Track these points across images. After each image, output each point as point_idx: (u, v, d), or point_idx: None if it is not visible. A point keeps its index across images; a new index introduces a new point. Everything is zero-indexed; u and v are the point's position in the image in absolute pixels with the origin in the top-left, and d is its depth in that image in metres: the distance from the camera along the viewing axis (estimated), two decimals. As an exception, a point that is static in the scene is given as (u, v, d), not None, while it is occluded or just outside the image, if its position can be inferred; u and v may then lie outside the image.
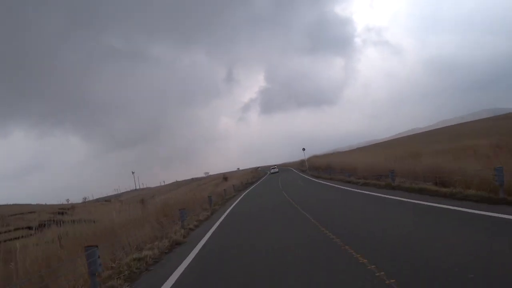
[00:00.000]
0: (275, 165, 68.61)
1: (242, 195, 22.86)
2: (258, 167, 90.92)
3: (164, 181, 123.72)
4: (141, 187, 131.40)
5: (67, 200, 54.54)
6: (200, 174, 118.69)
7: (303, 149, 45.57)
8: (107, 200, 56.73)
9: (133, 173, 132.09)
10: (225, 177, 57.61)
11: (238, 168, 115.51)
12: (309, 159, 56.78)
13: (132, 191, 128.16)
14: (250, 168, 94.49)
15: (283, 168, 70.13)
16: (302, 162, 58.31)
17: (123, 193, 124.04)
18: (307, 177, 32.39)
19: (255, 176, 50.44)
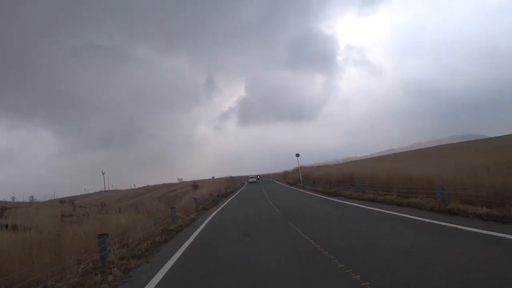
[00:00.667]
0: (256, 175, 65.42)
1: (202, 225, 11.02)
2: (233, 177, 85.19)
3: (135, 185, 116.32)
4: (111, 188, 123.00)
5: (13, 197, 47.05)
6: (174, 179, 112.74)
7: (297, 155, 36.37)
8: (62, 201, 50.02)
9: (103, 173, 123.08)
10: (195, 185, 51.71)
11: (213, 177, 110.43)
12: (295, 170, 53.28)
13: (100, 192, 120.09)
14: (225, 177, 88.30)
15: (263, 180, 64.15)
16: (285, 174, 53.55)
17: (91, 193, 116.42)
18: (311, 193, 22.48)
19: (230, 186, 40.40)
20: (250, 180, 56.03)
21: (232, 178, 60.63)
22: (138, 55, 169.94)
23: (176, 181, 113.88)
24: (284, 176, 53.26)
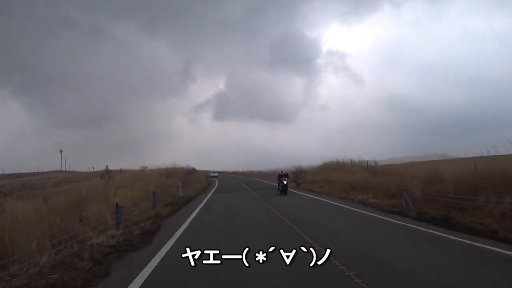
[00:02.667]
0: (217, 171, 63.75)
1: None
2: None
3: (93, 167, 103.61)
4: (68, 169, 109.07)
5: None
6: (137, 167, 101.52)
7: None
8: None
9: (60, 151, 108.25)
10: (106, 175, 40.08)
11: (145, 167, 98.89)
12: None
13: (53, 172, 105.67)
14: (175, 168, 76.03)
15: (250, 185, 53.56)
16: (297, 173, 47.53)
17: (42, 172, 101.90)
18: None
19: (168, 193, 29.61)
20: (212, 174, 54.22)
21: (193, 171, 42.26)
22: (118, 36, 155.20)
23: (139, 168, 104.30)
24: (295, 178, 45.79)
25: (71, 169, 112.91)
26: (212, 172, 60.93)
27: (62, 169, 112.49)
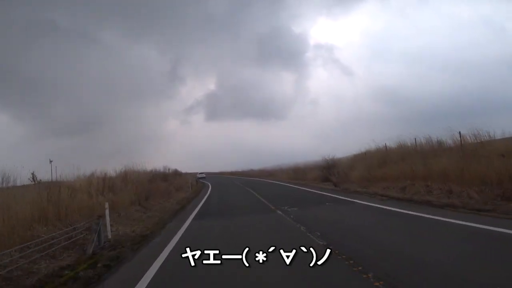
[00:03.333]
0: (202, 172, 60.09)
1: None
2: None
3: (85, 175, 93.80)
4: (59, 179, 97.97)
5: None
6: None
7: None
8: None
9: (50, 161, 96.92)
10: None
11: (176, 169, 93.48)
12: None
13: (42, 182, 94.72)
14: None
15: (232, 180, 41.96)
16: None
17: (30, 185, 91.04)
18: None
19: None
20: (199, 176, 50.79)
21: (174, 175, 30.83)
22: (104, 40, 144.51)
23: None
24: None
25: (61, 179, 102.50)
26: (199, 173, 56.78)
27: (53, 179, 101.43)
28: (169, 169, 28.62)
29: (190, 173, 72.98)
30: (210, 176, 63.59)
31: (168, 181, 21.11)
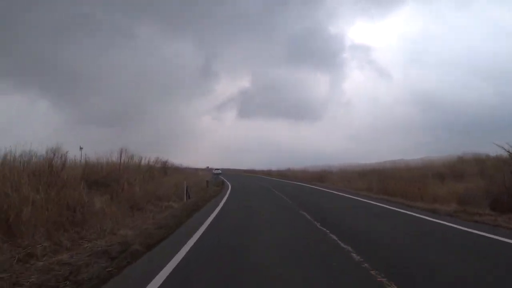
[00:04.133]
0: (218, 168, 58.36)
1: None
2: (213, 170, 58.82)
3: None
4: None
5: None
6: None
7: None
8: None
9: (80, 149, 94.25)
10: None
11: (208, 167, 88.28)
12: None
13: None
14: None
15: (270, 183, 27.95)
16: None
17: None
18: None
19: None
20: (215, 172, 49.38)
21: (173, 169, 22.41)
22: (141, 35, 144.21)
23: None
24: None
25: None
26: (215, 169, 55.07)
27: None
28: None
29: (206, 169, 63.30)
30: (235, 175, 53.44)
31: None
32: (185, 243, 5.27)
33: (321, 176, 26.79)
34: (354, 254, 4.42)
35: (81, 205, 7.09)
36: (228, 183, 24.73)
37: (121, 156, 11.70)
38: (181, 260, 4.33)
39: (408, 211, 9.43)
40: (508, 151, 9.90)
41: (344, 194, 15.48)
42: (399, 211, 9.49)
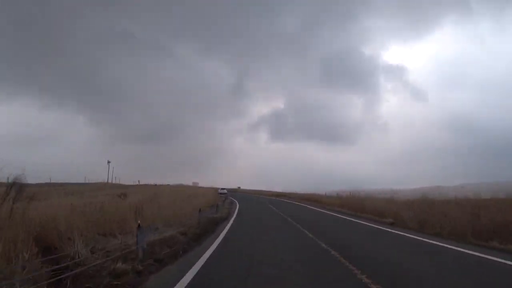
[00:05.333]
0: (224, 188, 55.78)
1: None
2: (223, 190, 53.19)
3: (139, 181, 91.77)
4: (114, 181, 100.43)
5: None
6: (190, 182, 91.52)
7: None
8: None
9: (108, 163, 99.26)
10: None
11: (239, 187, 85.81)
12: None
13: (96, 183, 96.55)
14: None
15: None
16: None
17: (88, 183, 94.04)
18: None
19: None
20: (221, 191, 47.28)
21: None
22: (178, 54, 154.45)
23: (190, 183, 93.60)
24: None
25: (116, 181, 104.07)
26: (221, 189, 52.01)
27: (108, 181, 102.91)
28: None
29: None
30: (261, 197, 48.00)
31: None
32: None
33: (363, 206, 19.88)
34: None
35: None
36: (234, 215, 18.44)
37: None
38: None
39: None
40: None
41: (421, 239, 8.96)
42: None
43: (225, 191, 50.08)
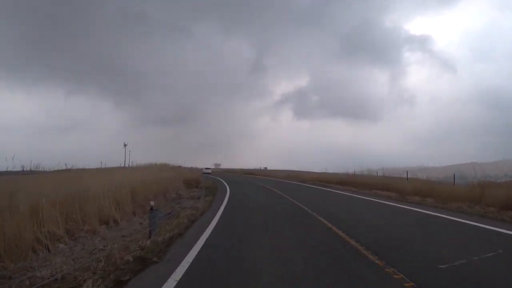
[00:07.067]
0: (208, 168, 57.50)
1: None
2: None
3: (156, 163, 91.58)
4: (131, 165, 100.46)
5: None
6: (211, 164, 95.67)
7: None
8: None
9: (125, 146, 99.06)
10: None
11: (266, 167, 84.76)
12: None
13: (114, 168, 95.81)
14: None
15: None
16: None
17: (106, 168, 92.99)
18: None
19: None
20: (205, 171, 49.06)
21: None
22: (197, 35, 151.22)
23: (212, 166, 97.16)
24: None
25: (132, 164, 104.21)
26: (206, 169, 53.29)
27: (125, 165, 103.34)
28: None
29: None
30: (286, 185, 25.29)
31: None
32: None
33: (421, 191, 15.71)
34: None
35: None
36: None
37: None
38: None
39: None
40: None
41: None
42: None
43: (209, 171, 52.96)
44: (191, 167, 65.84)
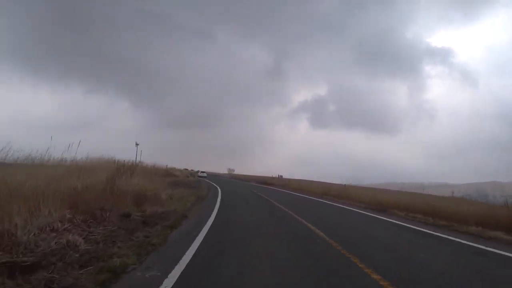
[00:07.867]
0: (204, 171, 57.96)
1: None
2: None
3: (167, 165, 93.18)
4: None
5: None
6: (224, 170, 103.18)
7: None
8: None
9: (137, 145, 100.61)
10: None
11: (281, 176, 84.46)
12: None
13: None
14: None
15: None
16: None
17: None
18: None
19: None
20: (200, 175, 51.44)
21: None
22: (219, 39, 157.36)
23: (225, 171, 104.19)
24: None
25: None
26: (201, 172, 55.38)
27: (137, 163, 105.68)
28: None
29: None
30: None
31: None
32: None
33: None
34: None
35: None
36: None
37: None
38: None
39: None
40: None
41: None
42: None
43: (204, 174, 53.85)
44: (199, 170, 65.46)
